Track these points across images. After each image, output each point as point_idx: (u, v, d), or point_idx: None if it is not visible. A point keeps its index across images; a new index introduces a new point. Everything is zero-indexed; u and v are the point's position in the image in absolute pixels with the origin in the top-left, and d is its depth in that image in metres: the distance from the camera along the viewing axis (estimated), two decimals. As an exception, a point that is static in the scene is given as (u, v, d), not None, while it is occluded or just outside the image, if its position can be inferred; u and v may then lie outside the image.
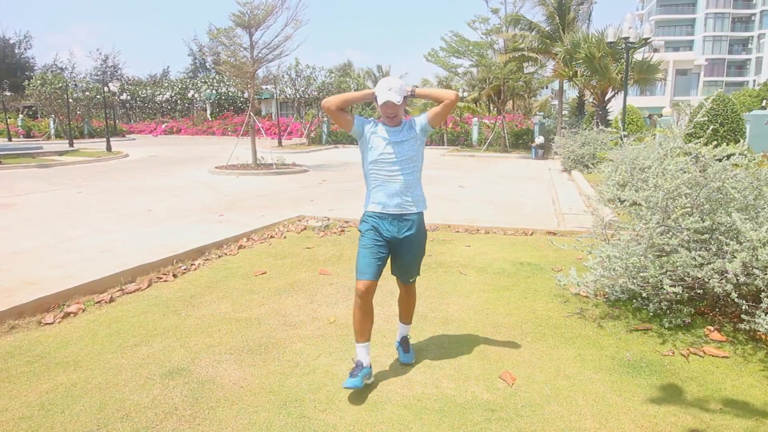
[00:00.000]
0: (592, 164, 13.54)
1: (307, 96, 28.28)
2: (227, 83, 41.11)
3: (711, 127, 4.62)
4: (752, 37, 66.60)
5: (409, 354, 3.23)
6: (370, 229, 2.98)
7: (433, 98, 3.02)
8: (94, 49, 70.44)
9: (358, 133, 2.98)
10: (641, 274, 3.62)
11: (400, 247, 3.00)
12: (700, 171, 3.72)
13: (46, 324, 3.77)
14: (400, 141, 2.92)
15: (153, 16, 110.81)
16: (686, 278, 3.46)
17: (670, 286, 3.37)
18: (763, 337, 3.37)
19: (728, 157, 3.81)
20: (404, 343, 3.28)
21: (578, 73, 19.54)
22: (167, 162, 18.13)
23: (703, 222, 3.44)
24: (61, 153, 20.32)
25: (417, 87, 3.05)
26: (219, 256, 5.67)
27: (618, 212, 4.40)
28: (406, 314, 3.27)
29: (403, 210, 2.94)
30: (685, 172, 3.69)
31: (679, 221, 3.55)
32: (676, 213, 3.50)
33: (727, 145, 3.96)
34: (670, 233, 3.60)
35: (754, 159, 3.67)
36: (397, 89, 2.85)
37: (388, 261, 3.07)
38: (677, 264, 3.43)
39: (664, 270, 3.53)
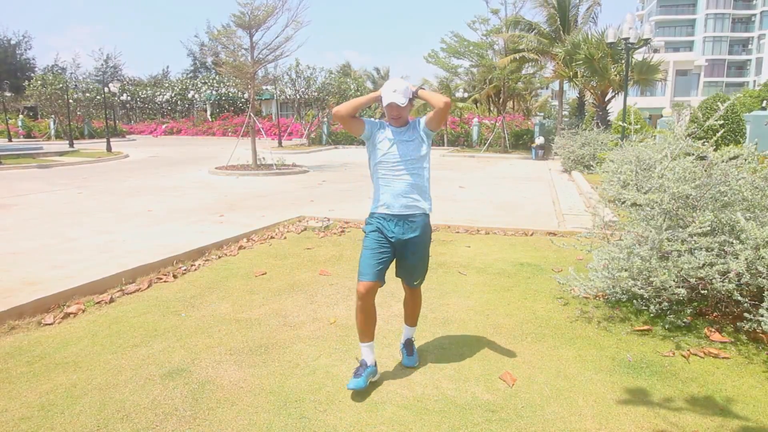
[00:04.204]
0: (593, 165, 13.54)
1: (307, 96, 28.27)
2: (227, 84, 41.10)
3: (700, 117, 4.61)
4: (752, 37, 66.56)
5: (412, 357, 3.20)
6: (374, 230, 2.97)
7: (429, 103, 2.98)
8: (96, 49, 70.59)
9: (367, 135, 3.00)
10: (643, 275, 3.61)
11: (404, 250, 2.98)
12: (705, 170, 3.72)
13: (46, 324, 3.77)
14: (405, 141, 2.93)
15: (153, 16, 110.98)
16: (690, 279, 3.45)
17: (677, 287, 3.36)
18: (765, 337, 3.37)
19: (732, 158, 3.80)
20: (408, 345, 3.25)
21: (578, 73, 19.54)
22: (167, 162, 18.13)
23: (711, 226, 3.43)
24: (61, 153, 20.34)
25: (422, 88, 3.02)
26: (219, 257, 5.66)
27: (618, 212, 4.40)
28: (410, 317, 3.24)
29: (407, 211, 2.93)
30: (691, 171, 3.69)
31: (687, 224, 3.54)
32: (680, 211, 3.49)
33: (727, 146, 3.96)
34: (678, 237, 3.59)
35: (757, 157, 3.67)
36: (401, 91, 2.85)
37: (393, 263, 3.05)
38: (683, 265, 3.41)
39: (669, 272, 3.53)
